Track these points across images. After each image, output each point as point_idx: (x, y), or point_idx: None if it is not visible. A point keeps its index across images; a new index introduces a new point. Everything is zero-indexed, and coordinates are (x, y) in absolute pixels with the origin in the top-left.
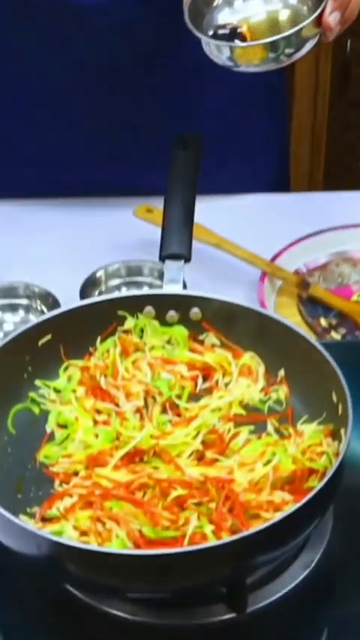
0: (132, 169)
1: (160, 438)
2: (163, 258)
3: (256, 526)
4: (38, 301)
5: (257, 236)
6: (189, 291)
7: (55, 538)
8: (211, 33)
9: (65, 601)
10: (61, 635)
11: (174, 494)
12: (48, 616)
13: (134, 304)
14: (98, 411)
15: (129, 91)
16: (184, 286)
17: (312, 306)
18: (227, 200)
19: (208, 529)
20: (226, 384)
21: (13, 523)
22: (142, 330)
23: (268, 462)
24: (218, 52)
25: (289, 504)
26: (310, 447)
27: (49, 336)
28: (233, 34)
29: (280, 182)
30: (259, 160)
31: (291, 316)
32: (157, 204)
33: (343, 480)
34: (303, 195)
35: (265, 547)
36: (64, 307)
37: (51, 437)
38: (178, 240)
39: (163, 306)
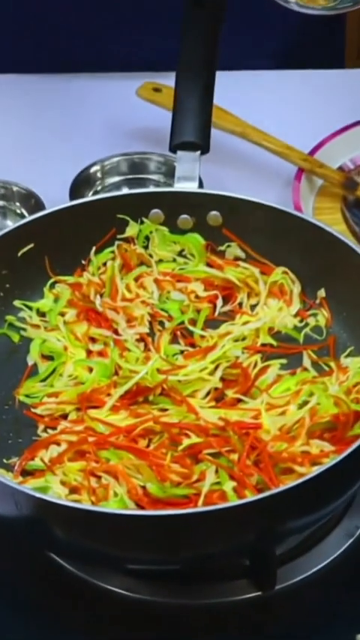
0: (135, 36)
1: (169, 372)
2: (174, 149)
3: (288, 483)
4: (17, 203)
5: (293, 123)
6: (206, 190)
7: (38, 495)
8: None
9: (50, 573)
10: (45, 614)
11: (186, 442)
12: (29, 592)
13: (138, 206)
14: (92, 339)
15: None
16: (201, 184)
17: None
18: (256, 77)
19: (229, 486)
20: (252, 307)
21: None
22: (147, 239)
23: (304, 403)
24: None
25: (330, 456)
26: (356, 385)
27: (30, 245)
28: None
29: (324, 55)
30: (302, 29)
31: (334, 223)
32: (167, 81)
33: None
34: (356, 71)
35: (299, 509)
36: (50, 209)
37: (33, 371)
38: (193, 125)
39: (174, 208)
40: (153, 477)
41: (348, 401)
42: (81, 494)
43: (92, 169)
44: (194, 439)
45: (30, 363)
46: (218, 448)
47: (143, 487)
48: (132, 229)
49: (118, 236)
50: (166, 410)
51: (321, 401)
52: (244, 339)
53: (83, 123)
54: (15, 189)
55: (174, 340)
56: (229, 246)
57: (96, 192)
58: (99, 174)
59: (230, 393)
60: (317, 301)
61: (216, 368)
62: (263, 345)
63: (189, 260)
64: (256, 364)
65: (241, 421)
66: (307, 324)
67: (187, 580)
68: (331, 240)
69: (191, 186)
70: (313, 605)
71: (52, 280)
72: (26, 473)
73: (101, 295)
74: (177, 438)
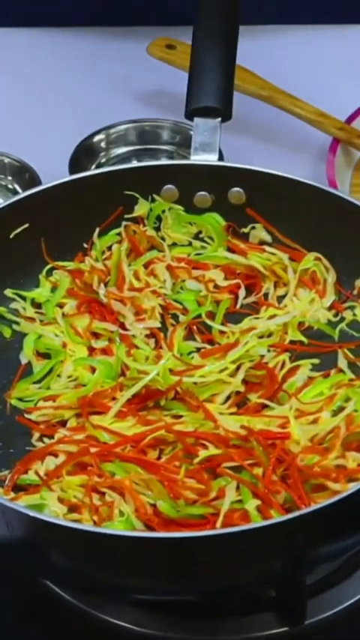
0: None
1: (183, 373)
2: (190, 115)
3: (321, 501)
4: (9, 177)
5: (328, 86)
6: (228, 163)
7: (32, 513)
8: None
9: (46, 604)
10: None
11: (203, 454)
12: (21, 626)
13: (148, 181)
14: (95, 335)
15: None
16: (221, 156)
17: None
18: (286, 32)
19: (252, 505)
20: (280, 299)
21: None
22: (159, 219)
23: (339, 410)
24: None
25: None
26: None
27: (24, 226)
28: None
29: None
30: None
31: None
32: (182, 36)
33: None
34: None
35: (333, 532)
36: (47, 184)
37: (27, 371)
38: (212, 88)
39: (191, 183)
40: (164, 494)
41: None
42: (81, 513)
43: (95, 138)
44: (212, 451)
45: (23, 361)
46: (240, 461)
47: (153, 505)
48: (141, 208)
49: (126, 216)
50: (179, 417)
51: (358, 407)
52: (270, 335)
53: (86, 85)
54: (6, 161)
55: (189, 336)
56: (253, 227)
57: (100, 165)
58: (103, 145)
59: (254, 398)
60: (355, 292)
61: (237, 369)
62: (292, 342)
63: (207, 244)
64: (283, 364)
65: (267, 430)
66: (342, 319)
67: (204, 613)
68: None
69: (210, 159)
70: None
71: (49, 266)
72: (19, 488)
73: (105, 284)
74: (192, 449)
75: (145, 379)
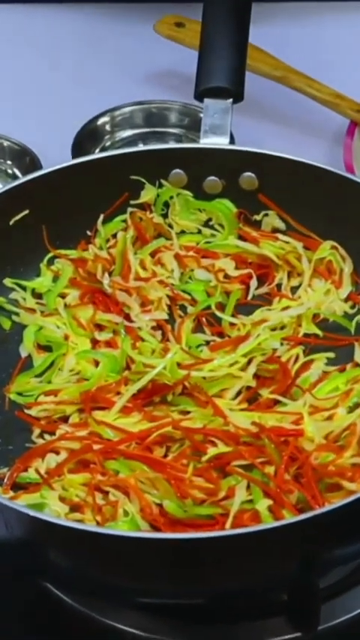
0: None
1: (191, 367)
2: (200, 96)
3: (335, 501)
4: (9, 161)
5: (345, 66)
6: (239, 147)
7: (32, 513)
8: None
9: (47, 608)
10: None
11: (212, 452)
12: (20, 631)
13: (155, 165)
14: (99, 327)
15: None
16: (232, 139)
17: None
18: (300, 9)
19: (263, 505)
20: (294, 290)
21: None
22: (166, 206)
23: (355, 406)
24: None
25: None
26: None
27: (25, 212)
28: None
29: None
30: None
31: None
32: (192, 14)
33: None
34: None
35: (348, 534)
36: (48, 169)
37: (27, 364)
38: (223, 68)
39: (200, 168)
40: (171, 493)
41: None
42: (84, 513)
43: (100, 121)
44: (222, 448)
45: (23, 354)
46: (251, 459)
47: (159, 505)
48: (148, 194)
49: (131, 202)
50: (187, 413)
51: None
52: (283, 327)
53: (90, 65)
54: (6, 144)
55: (198, 328)
56: (266, 214)
57: (104, 149)
58: (108, 127)
59: (266, 393)
60: None
61: (249, 363)
62: (306, 335)
63: (217, 232)
64: (297, 358)
65: (279, 427)
66: (359, 311)
67: (212, 618)
68: None
69: (221, 142)
70: None
71: (50, 255)
72: (18, 487)
73: (110, 273)
74: (201, 446)
75: (152, 373)
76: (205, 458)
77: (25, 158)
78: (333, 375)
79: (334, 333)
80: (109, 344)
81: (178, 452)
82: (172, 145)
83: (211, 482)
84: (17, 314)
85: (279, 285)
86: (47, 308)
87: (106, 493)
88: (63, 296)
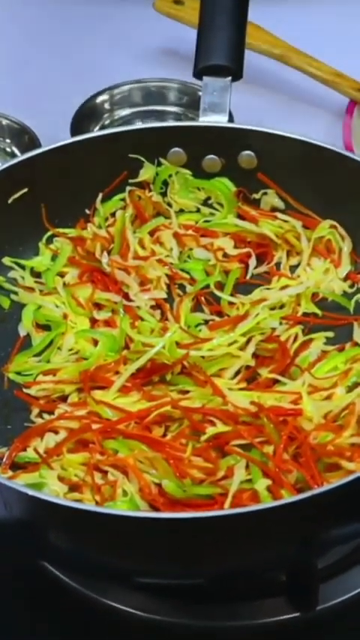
0: None
1: (190, 346)
2: (199, 74)
3: (334, 481)
4: (8, 139)
5: (344, 45)
6: (238, 124)
7: (31, 492)
8: None
9: (46, 588)
10: (35, 634)
11: (211, 431)
12: (19, 611)
13: (154, 144)
14: (98, 306)
15: None
16: (231, 117)
17: None
18: None
19: (262, 485)
20: (293, 269)
21: None
22: (165, 184)
23: (354, 386)
24: None
25: None
26: None
27: (24, 190)
28: None
29: None
30: None
31: None
32: None
33: None
34: None
35: (346, 513)
36: (47, 147)
37: (26, 343)
38: (222, 46)
39: (199, 146)
40: (170, 473)
41: None
42: (83, 493)
43: (99, 99)
44: (220, 427)
45: (22, 333)
46: (249, 439)
47: (158, 485)
48: (147, 172)
49: (130, 180)
50: (186, 392)
51: None
52: (282, 307)
53: (88, 42)
54: (5, 122)
55: (197, 308)
56: (265, 193)
57: (103, 127)
58: (107, 106)
59: (265, 373)
60: None
61: (247, 342)
62: (305, 314)
63: (216, 210)
64: (296, 338)
65: (278, 406)
66: (358, 290)
67: (211, 598)
68: None
69: (220, 120)
70: None
71: (49, 233)
72: (17, 466)
73: (109, 252)
74: (199, 426)
75: (150, 352)
76: (203, 437)
77: (24, 136)
78: (332, 355)
79: (333, 312)
80: (107, 323)
81: (177, 431)
82: (171, 123)
83: (209, 462)
84: (16, 293)
85: (278, 264)
86: (46, 287)
87: (105, 473)
88: (62, 275)
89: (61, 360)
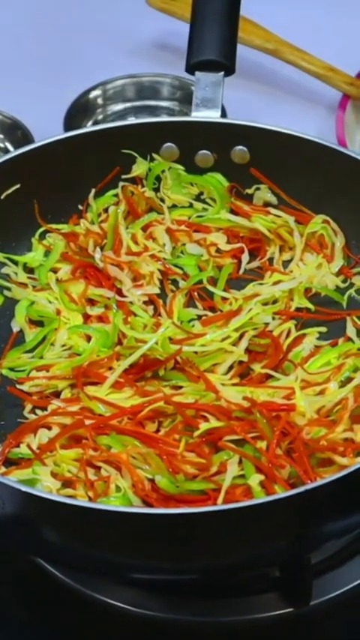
0: None
1: (183, 342)
2: (192, 69)
3: (327, 476)
4: (1, 135)
5: (337, 39)
6: (231, 120)
7: (24, 488)
8: None
9: (39, 584)
10: (32, 634)
11: (204, 427)
12: (12, 606)
13: (147, 139)
14: (91, 302)
15: None
16: (224, 112)
17: None
18: None
19: (255, 480)
20: (286, 264)
21: None
22: (158, 180)
23: (347, 381)
24: None
25: None
26: None
27: (16, 186)
28: None
29: None
30: None
31: None
32: None
33: None
34: None
35: (340, 508)
36: (40, 142)
37: (19, 339)
38: (215, 41)
39: (192, 142)
40: (163, 469)
41: None
42: (76, 489)
43: (92, 94)
44: (213, 423)
45: (15, 329)
46: (242, 434)
47: (151, 480)
48: (139, 167)
49: (123, 176)
50: (179, 387)
51: None
52: (274, 302)
53: (81, 37)
54: None
55: (190, 303)
56: (257, 188)
57: (96, 123)
58: (100, 101)
59: (258, 368)
60: None
61: (241, 337)
62: (298, 309)
63: (209, 206)
64: (289, 333)
65: (271, 402)
66: (351, 285)
67: (204, 593)
68: None
69: (212, 115)
70: (354, 625)
71: (42, 229)
72: (10, 462)
73: (102, 248)
74: (192, 421)
75: (143, 348)
76: (197, 433)
77: (17, 132)
78: (325, 350)
79: (326, 307)
80: (100, 319)
81: (170, 427)
82: (163, 118)
83: (203, 458)
84: (9, 289)
85: (271, 260)
86: (39, 283)
87: (98, 468)
88: (55, 270)
89: (54, 356)
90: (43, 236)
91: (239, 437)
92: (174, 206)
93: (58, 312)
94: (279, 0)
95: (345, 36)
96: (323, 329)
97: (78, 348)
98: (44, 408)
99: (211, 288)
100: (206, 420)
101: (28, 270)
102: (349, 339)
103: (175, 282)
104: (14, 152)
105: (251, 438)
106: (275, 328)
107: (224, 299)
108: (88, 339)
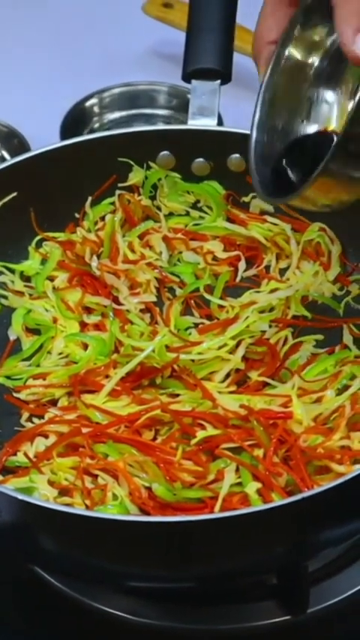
0: None
1: (180, 350)
2: (188, 78)
3: (324, 484)
4: None
5: None
6: (227, 128)
7: (21, 497)
8: None
9: (36, 592)
10: (28, 639)
11: (201, 435)
12: (9, 615)
13: (143, 147)
14: (88, 310)
15: None
16: (220, 121)
17: None
18: None
19: (252, 488)
20: (282, 272)
21: None
22: (154, 188)
23: (344, 388)
24: None
25: None
26: None
27: (13, 195)
28: None
29: None
30: None
31: None
32: None
33: None
34: None
35: (337, 516)
36: (36, 150)
37: (16, 347)
38: (211, 49)
39: (188, 150)
40: (160, 477)
41: None
42: (73, 497)
43: (88, 103)
44: (210, 431)
45: (12, 337)
46: (239, 442)
47: (148, 488)
48: (136, 176)
49: (120, 184)
50: (176, 395)
51: None
52: (271, 310)
53: (77, 45)
54: None
55: (186, 311)
56: (254, 196)
57: (92, 131)
58: (96, 109)
59: (254, 376)
60: None
61: (237, 345)
62: (295, 317)
63: (205, 214)
64: (286, 341)
65: (268, 409)
66: (348, 293)
67: (202, 601)
68: None
69: (209, 123)
70: (351, 633)
71: (38, 237)
72: (7, 470)
73: (98, 256)
74: (189, 429)
75: (140, 356)
76: (194, 441)
77: (13, 140)
78: (322, 357)
79: (323, 315)
80: (97, 327)
81: (167, 435)
82: (160, 126)
83: (200, 466)
84: (6, 297)
85: (267, 267)
86: (36, 291)
87: (95, 477)
88: (51, 279)
89: (50, 364)
90: (39, 244)
91: (236, 445)
92: (170, 214)
93: (55, 321)
94: None
95: None
96: (320, 336)
97: (75, 356)
98: (41, 416)
99: (207, 296)
100: (203, 427)
101: (25, 278)
102: (346, 347)
103: (171, 290)
104: (11, 160)
105: (248, 446)
106: (272, 336)
107: (221, 307)
108: (85, 347)
